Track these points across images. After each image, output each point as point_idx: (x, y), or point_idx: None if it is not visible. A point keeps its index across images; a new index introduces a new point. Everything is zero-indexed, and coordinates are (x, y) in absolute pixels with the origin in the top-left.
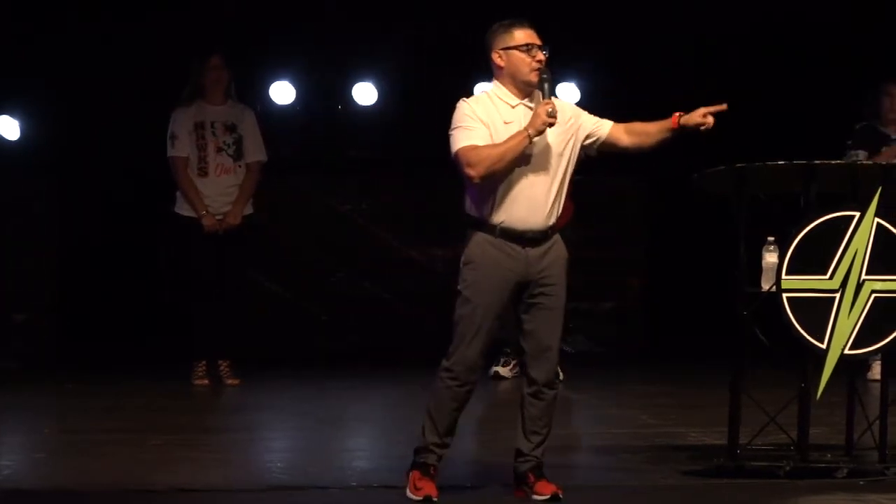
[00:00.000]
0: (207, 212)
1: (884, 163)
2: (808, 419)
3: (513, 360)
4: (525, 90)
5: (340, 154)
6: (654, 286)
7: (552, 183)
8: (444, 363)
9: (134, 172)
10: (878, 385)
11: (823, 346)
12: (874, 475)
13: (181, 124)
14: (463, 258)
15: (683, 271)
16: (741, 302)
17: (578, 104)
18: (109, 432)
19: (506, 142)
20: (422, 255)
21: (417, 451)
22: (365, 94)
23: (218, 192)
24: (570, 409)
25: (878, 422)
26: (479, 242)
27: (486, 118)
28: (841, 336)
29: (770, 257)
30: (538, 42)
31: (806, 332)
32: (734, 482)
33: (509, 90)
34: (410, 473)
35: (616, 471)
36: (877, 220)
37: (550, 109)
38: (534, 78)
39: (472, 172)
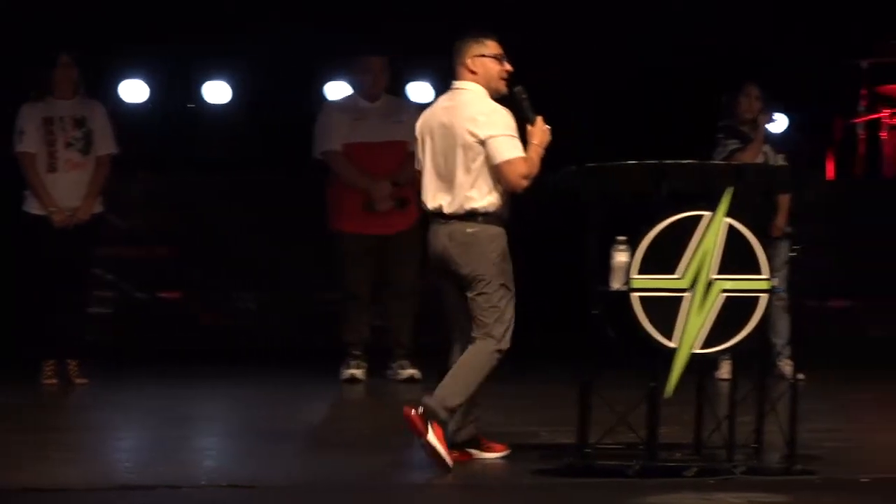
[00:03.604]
0: (57, 207)
1: (750, 158)
2: (658, 418)
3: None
4: (492, 96)
5: (192, 153)
6: None
7: None
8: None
9: None
10: (727, 384)
11: (673, 345)
12: (723, 474)
13: (29, 120)
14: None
15: (533, 268)
16: (592, 300)
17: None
18: None
19: (534, 160)
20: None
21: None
22: (218, 92)
23: (67, 188)
24: None
25: (726, 421)
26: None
27: None
28: (691, 335)
29: (620, 256)
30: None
31: (656, 330)
32: (584, 481)
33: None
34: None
35: (466, 469)
36: (727, 220)
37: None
38: (502, 87)
39: (525, 184)
